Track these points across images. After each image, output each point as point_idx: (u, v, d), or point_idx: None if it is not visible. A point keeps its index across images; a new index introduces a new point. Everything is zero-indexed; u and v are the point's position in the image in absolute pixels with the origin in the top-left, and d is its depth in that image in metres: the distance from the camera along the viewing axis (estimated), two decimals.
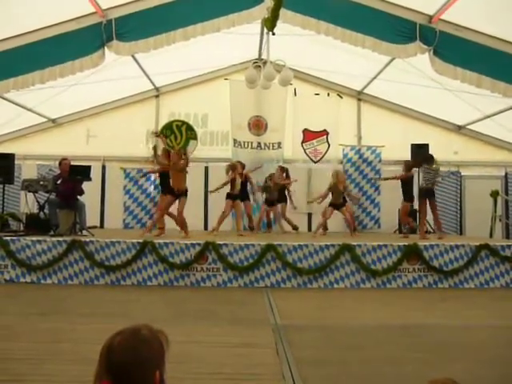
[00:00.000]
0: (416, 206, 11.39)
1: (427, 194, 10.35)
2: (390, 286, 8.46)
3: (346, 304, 7.25)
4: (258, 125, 13.83)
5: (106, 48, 9.05)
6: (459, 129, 14.16)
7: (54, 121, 13.80)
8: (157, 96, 14.28)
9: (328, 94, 13.99)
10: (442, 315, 6.46)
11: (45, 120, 13.62)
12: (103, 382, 1.65)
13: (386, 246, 8.60)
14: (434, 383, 1.86)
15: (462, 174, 14.20)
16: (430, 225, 12.83)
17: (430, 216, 10.80)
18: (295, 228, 12.36)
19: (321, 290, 8.30)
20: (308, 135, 14.02)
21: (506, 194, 14.14)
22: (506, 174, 14.30)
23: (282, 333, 5.28)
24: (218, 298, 7.37)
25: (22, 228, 10.39)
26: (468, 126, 13.89)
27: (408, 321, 6.06)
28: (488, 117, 12.40)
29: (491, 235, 11.83)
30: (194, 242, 8.52)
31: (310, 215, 13.75)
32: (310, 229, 13.49)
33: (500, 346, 5.07)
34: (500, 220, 13.42)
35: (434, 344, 4.98)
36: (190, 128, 14.02)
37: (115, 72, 11.05)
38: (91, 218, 11.37)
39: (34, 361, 4.17)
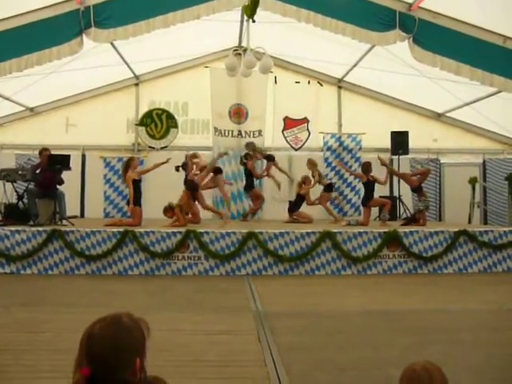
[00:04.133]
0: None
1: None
2: (371, 273, 8.55)
3: (327, 290, 7.31)
4: (238, 113, 13.80)
5: (84, 35, 8.92)
6: (439, 116, 14.28)
7: (32, 109, 13.59)
8: (136, 84, 14.13)
9: (308, 82, 13.98)
10: (423, 300, 6.55)
11: (23, 109, 13.40)
12: (83, 369, 1.65)
13: (366, 232, 8.67)
14: (413, 366, 1.89)
15: (441, 161, 14.35)
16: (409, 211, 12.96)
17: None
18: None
19: (302, 277, 8.35)
20: (289, 123, 14.02)
21: (484, 180, 14.33)
22: (484, 161, 14.48)
23: (263, 319, 5.32)
24: (199, 287, 7.37)
25: (0, 218, 10.26)
26: (447, 114, 14.02)
27: (389, 306, 6.13)
28: (467, 104, 12.53)
29: (470, 221, 11.98)
30: (175, 230, 8.50)
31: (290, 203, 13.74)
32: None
33: (480, 329, 5.18)
34: (478, 206, 13.63)
35: (415, 328, 5.05)
36: (170, 116, 13.92)
37: (94, 60, 10.91)
38: (71, 207, 11.25)
39: (15, 351, 4.15)
